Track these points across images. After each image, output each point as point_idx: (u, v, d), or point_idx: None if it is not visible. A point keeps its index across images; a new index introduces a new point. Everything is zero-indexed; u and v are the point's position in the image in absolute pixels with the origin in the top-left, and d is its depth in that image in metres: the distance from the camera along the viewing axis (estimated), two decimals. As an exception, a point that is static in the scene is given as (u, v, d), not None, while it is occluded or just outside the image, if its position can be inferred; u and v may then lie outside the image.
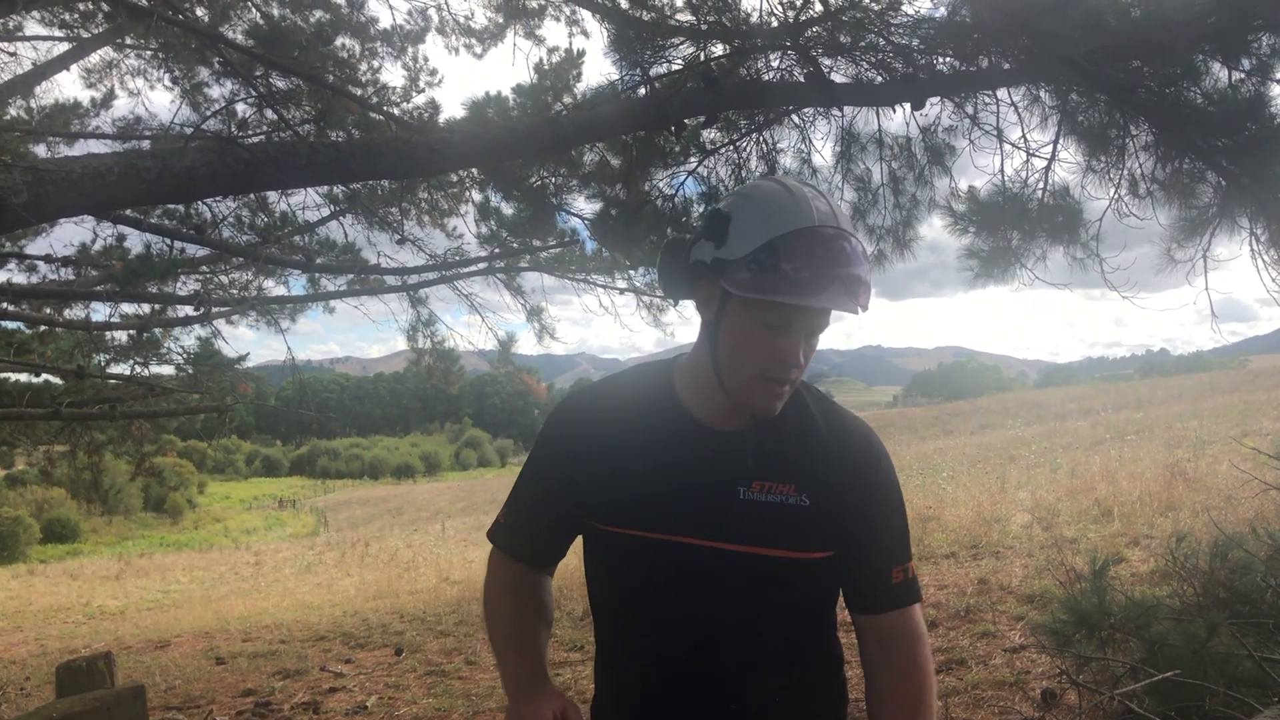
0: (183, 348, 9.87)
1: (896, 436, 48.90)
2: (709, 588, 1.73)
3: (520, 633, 1.89)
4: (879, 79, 5.69)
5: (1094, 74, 4.71)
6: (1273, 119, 4.66)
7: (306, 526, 55.84)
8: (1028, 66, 5.19)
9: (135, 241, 7.48)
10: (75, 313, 8.72)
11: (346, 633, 10.39)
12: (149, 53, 8.14)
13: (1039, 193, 5.88)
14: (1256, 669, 3.75)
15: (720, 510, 1.72)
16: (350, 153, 4.49)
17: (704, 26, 5.66)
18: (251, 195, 7.64)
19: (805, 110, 6.34)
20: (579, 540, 1.95)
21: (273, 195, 7.80)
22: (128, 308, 8.45)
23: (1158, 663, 4.02)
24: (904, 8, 5.46)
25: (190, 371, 9.96)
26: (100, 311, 8.58)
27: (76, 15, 7.83)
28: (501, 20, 7.86)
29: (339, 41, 7.38)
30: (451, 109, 6.66)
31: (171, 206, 7.20)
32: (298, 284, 9.29)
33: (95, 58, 8.34)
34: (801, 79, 5.71)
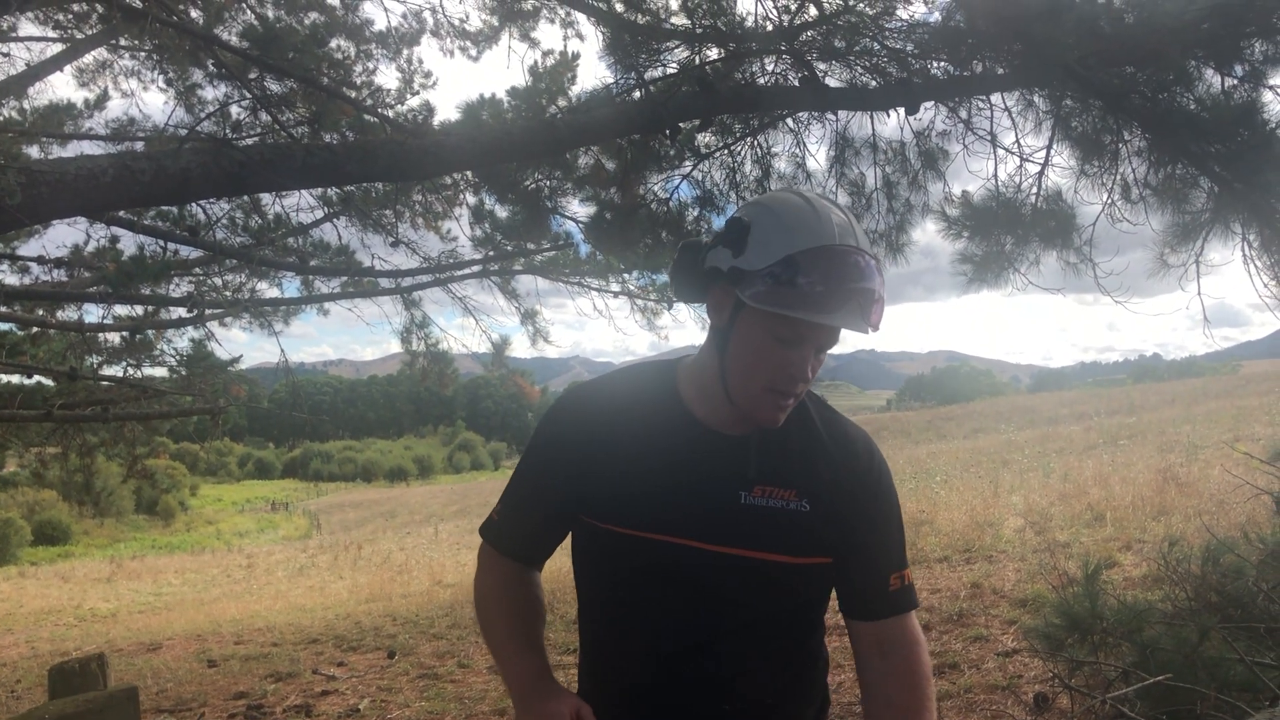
0: (176, 350, 9.85)
1: (890, 440, 48.94)
2: (708, 590, 1.74)
3: (520, 630, 1.87)
4: (873, 83, 5.70)
5: (1087, 79, 4.72)
6: (1265, 125, 4.68)
7: (299, 529, 55.68)
8: (1021, 71, 5.21)
9: (129, 243, 7.48)
10: (68, 314, 8.72)
11: (339, 635, 10.37)
12: (143, 54, 8.14)
13: (1032, 198, 5.89)
14: (1248, 673, 3.75)
15: (721, 514, 1.73)
16: (344, 155, 4.48)
17: (699, 30, 5.67)
18: (245, 197, 7.64)
19: (800, 114, 6.36)
20: (567, 541, 1.95)
21: (267, 197, 7.79)
22: (121, 309, 8.43)
23: (1149, 667, 4.03)
24: (898, 12, 5.49)
25: (183, 373, 9.93)
26: (93, 313, 8.60)
27: (70, 16, 7.82)
28: (496, 23, 7.87)
29: (334, 43, 7.38)
30: (446, 111, 6.71)
31: (165, 208, 7.19)
32: (291, 286, 9.29)
33: (89, 59, 8.34)
34: (796, 83, 5.73)
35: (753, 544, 1.73)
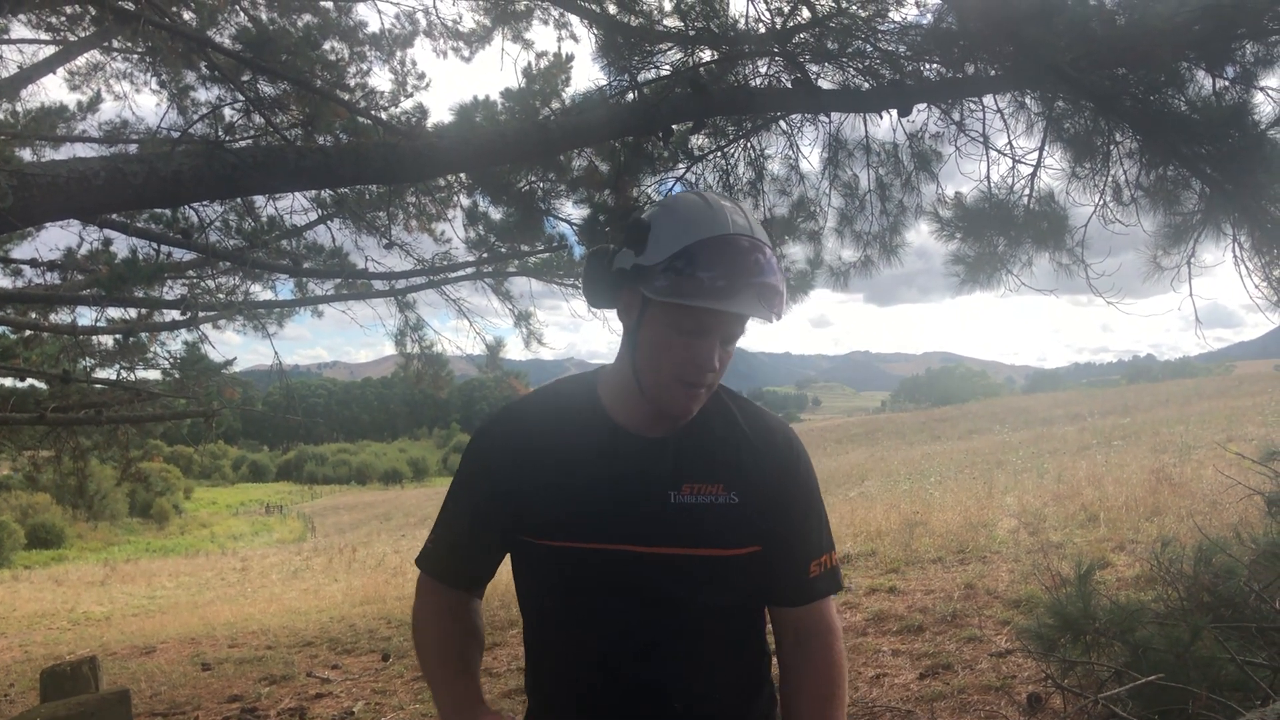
0: (169, 352, 9.82)
1: (884, 442, 49.03)
2: (648, 593, 1.76)
3: (453, 657, 1.89)
4: (866, 85, 5.71)
5: (1079, 81, 4.74)
6: (1256, 126, 4.70)
7: (294, 532, 55.64)
8: (1013, 73, 5.23)
9: (121, 246, 7.48)
10: (61, 317, 8.69)
11: (333, 638, 10.35)
12: (136, 56, 8.13)
13: (1025, 199, 5.91)
14: (1239, 672, 3.77)
15: (653, 516, 1.76)
16: (338, 157, 4.49)
17: (692, 32, 5.68)
18: (239, 199, 7.63)
19: (793, 116, 6.37)
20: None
21: (260, 200, 7.78)
22: (114, 312, 8.42)
23: (1142, 667, 4.04)
24: (891, 14, 5.50)
25: (177, 376, 9.91)
26: (86, 316, 8.55)
27: (63, 18, 7.80)
28: (489, 23, 7.86)
29: (327, 45, 7.38)
30: (440, 113, 6.70)
31: (159, 211, 7.18)
32: (285, 288, 9.30)
33: (82, 61, 8.32)
34: (789, 85, 5.74)
35: (686, 541, 1.76)
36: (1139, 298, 5.77)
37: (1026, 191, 5.91)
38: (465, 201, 7.94)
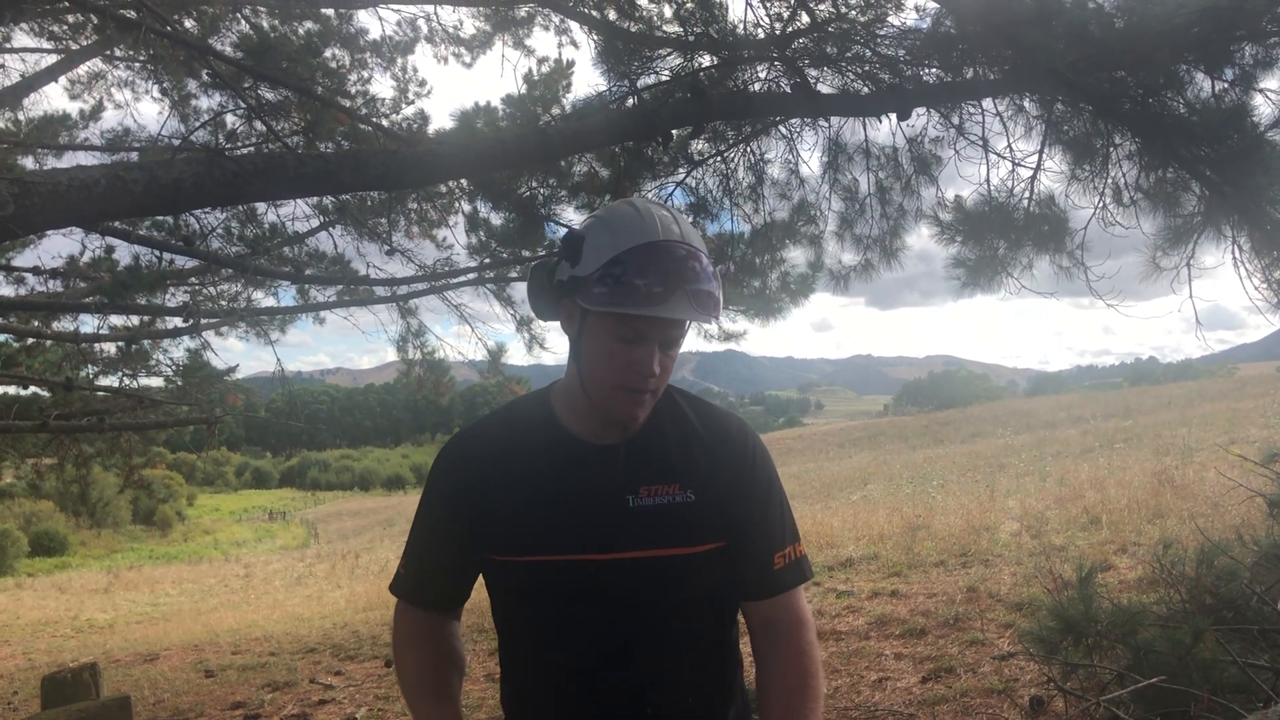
0: (172, 359, 9.85)
1: (887, 445, 48.98)
2: (615, 599, 1.78)
3: (431, 681, 1.91)
4: (865, 90, 5.72)
5: (1078, 84, 4.74)
6: (1255, 128, 4.70)
7: (297, 538, 55.65)
8: (1012, 77, 5.23)
9: (124, 253, 7.48)
10: (64, 324, 8.71)
11: (336, 645, 10.35)
12: (137, 64, 8.15)
13: (1025, 202, 5.91)
14: (1241, 675, 3.76)
15: (613, 522, 1.77)
16: (338, 164, 4.50)
17: (691, 38, 5.69)
18: (241, 207, 7.64)
19: (792, 121, 6.38)
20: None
21: (262, 206, 7.80)
22: (116, 319, 8.42)
23: (1144, 669, 4.04)
24: (890, 19, 5.51)
25: (179, 383, 9.93)
26: (89, 323, 8.57)
27: (65, 27, 7.83)
28: (490, 29, 7.88)
29: (328, 53, 7.38)
30: (441, 120, 6.68)
31: (160, 218, 7.20)
32: (287, 295, 9.28)
33: (84, 69, 8.35)
34: (788, 90, 5.74)
35: (647, 544, 1.77)
36: (1140, 300, 5.78)
37: (1026, 194, 5.91)
38: (466, 207, 7.94)
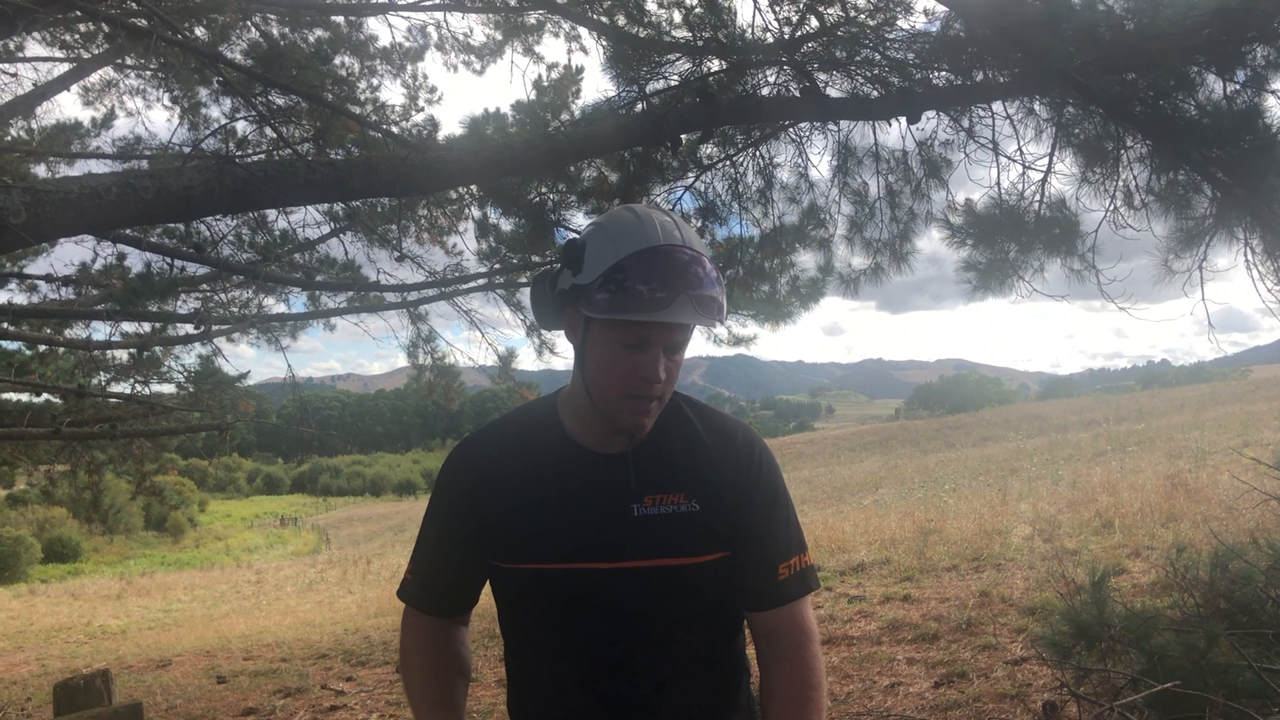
0: (183, 366, 9.86)
1: (898, 450, 48.89)
2: (618, 608, 1.78)
3: (435, 689, 1.91)
4: (875, 93, 5.72)
5: (1088, 87, 4.73)
6: (1267, 130, 4.67)
7: (308, 544, 55.75)
8: (1022, 80, 5.22)
9: (135, 260, 7.51)
10: (76, 332, 8.75)
11: (348, 650, 10.36)
12: (149, 73, 8.19)
13: (1035, 205, 5.90)
14: (1256, 679, 3.74)
15: (617, 531, 1.77)
16: (348, 171, 4.51)
17: (700, 43, 5.69)
18: (251, 214, 7.66)
19: (801, 125, 6.39)
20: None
21: (272, 213, 7.81)
22: (128, 327, 8.47)
23: (1158, 674, 4.01)
24: (899, 23, 5.52)
25: (191, 390, 9.94)
26: (101, 330, 8.60)
27: (77, 36, 7.88)
28: (500, 37, 7.91)
29: (338, 60, 7.42)
30: (451, 126, 6.71)
31: (171, 225, 7.22)
32: (298, 302, 9.30)
33: (95, 78, 8.40)
34: (797, 94, 5.75)
35: (652, 553, 1.77)
36: (1152, 302, 5.75)
37: (1037, 197, 5.90)
38: (476, 213, 7.95)
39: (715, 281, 1.65)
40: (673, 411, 1.87)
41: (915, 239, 6.65)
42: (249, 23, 7.09)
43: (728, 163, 6.61)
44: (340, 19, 7.74)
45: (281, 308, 9.23)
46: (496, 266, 8.25)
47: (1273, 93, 4.81)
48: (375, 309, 8.64)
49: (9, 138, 8.07)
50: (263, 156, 6.11)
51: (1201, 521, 8.86)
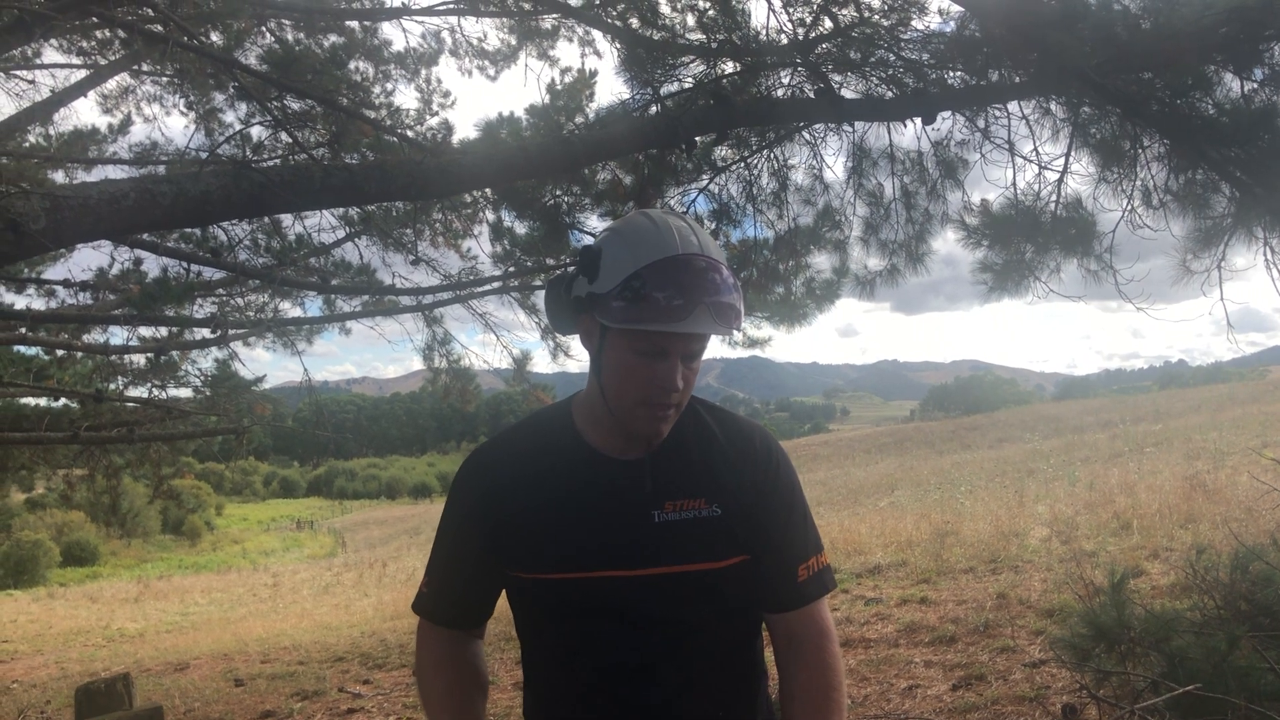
0: (200, 370, 9.91)
1: (914, 451, 48.75)
2: (640, 616, 1.76)
3: (456, 704, 1.90)
4: (890, 94, 5.70)
5: (1104, 86, 4.71)
6: (1286, 128, 4.64)
7: (324, 547, 55.86)
8: (1038, 80, 5.20)
9: (152, 265, 7.55)
10: (93, 337, 8.80)
11: (365, 653, 10.38)
12: (165, 79, 8.23)
13: (1052, 205, 5.87)
14: (1279, 682, 3.71)
15: (637, 537, 1.76)
16: (363, 175, 4.52)
17: (714, 45, 5.69)
18: (267, 218, 7.69)
19: (816, 126, 6.37)
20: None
21: (288, 218, 7.85)
22: (145, 331, 8.50)
23: (1178, 676, 3.99)
24: (914, 24, 5.50)
25: (207, 394, 9.99)
26: (118, 335, 8.65)
27: (94, 43, 7.93)
28: (515, 42, 7.93)
29: (353, 65, 7.44)
30: (465, 130, 6.72)
31: (188, 230, 7.26)
32: (314, 305, 9.33)
33: (112, 84, 8.45)
34: (812, 95, 5.73)
35: (673, 559, 1.76)
36: (1169, 303, 5.71)
37: (1053, 198, 5.87)
38: (491, 217, 7.97)
39: (733, 288, 1.64)
40: (690, 416, 1.85)
41: (931, 240, 6.64)
42: (264, 28, 7.12)
43: (742, 164, 6.60)
44: (355, 24, 7.77)
45: (297, 311, 9.28)
46: (511, 269, 8.26)
47: (1291, 91, 4.78)
48: (390, 312, 8.67)
49: (27, 144, 8.12)
50: (278, 161, 6.13)
51: (1221, 523, 8.80)
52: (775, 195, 6.74)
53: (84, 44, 7.96)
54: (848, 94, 5.72)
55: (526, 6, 7.51)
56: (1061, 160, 5.75)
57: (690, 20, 5.85)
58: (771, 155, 6.62)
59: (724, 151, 6.57)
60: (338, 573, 29.57)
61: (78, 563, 47.25)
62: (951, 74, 5.68)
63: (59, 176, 8.06)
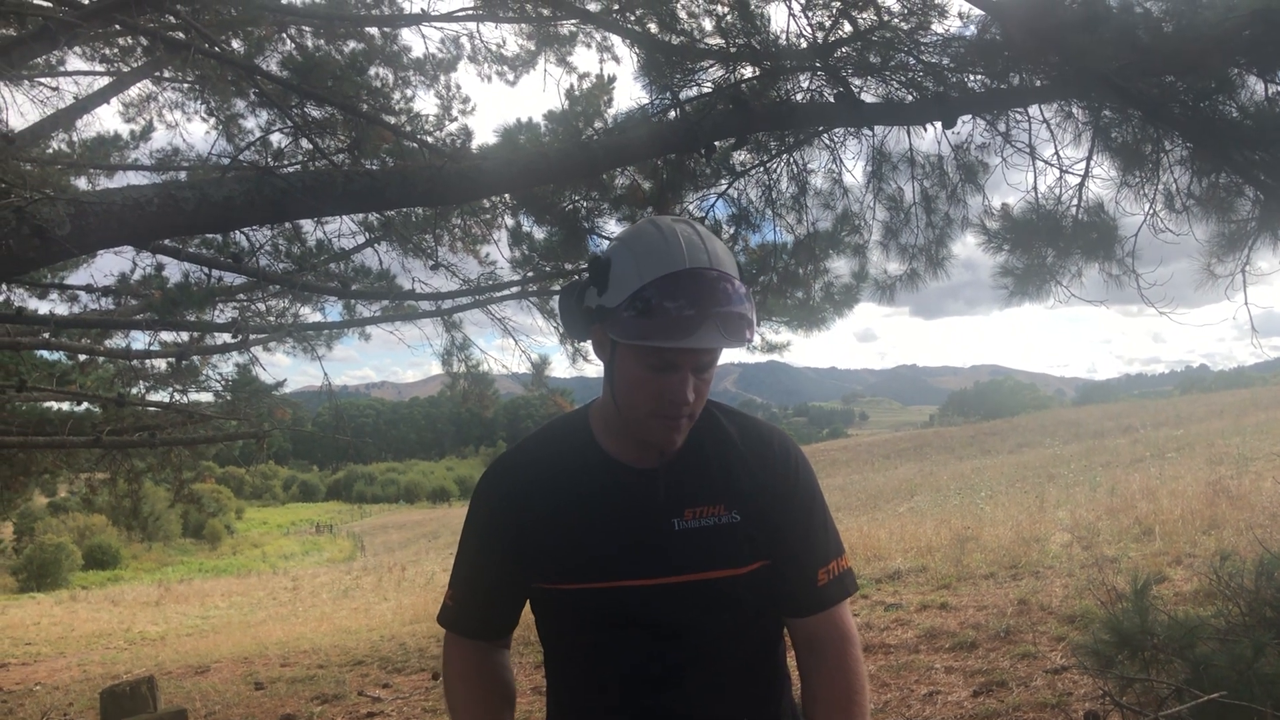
0: (221, 375, 9.98)
1: (933, 456, 48.54)
2: (663, 624, 1.76)
3: (483, 717, 1.91)
4: (909, 98, 5.69)
5: (1126, 90, 4.68)
6: (1311, 132, 4.61)
7: (343, 551, 56.07)
8: (1059, 83, 5.18)
9: (174, 270, 7.58)
10: (115, 342, 8.85)
11: (384, 657, 10.41)
12: (186, 85, 8.28)
13: (1073, 209, 5.85)
14: (1305, 690, 3.68)
15: (658, 546, 1.75)
16: (385, 181, 4.54)
17: (733, 49, 5.68)
18: (287, 224, 7.73)
19: (836, 130, 6.35)
20: None
21: (308, 224, 7.87)
22: (167, 336, 8.55)
23: (1203, 684, 3.96)
24: (934, 27, 5.47)
25: (228, 398, 10.05)
26: (140, 340, 8.70)
27: (116, 50, 7.98)
28: (533, 48, 7.94)
29: (372, 71, 7.46)
30: (484, 136, 6.72)
31: (209, 236, 7.30)
32: (334, 310, 9.37)
33: (134, 91, 8.50)
34: (831, 99, 5.73)
35: (695, 567, 1.76)
36: (1191, 307, 5.68)
37: (1075, 202, 5.85)
38: (510, 222, 7.98)
39: (743, 298, 1.62)
40: (707, 421, 1.84)
41: (950, 244, 6.61)
42: (284, 35, 7.15)
43: (761, 169, 6.60)
44: (374, 30, 7.79)
45: (317, 317, 9.32)
46: (529, 275, 8.27)
47: (1316, 94, 4.75)
48: (410, 317, 8.69)
49: (51, 150, 8.18)
50: (299, 167, 6.16)
51: (1245, 529, 8.73)
52: (794, 199, 6.73)
53: (107, 51, 8.01)
54: (867, 98, 5.70)
55: (545, 12, 7.52)
56: (1083, 164, 5.73)
57: (709, 25, 5.85)
58: (791, 159, 6.61)
59: (743, 156, 6.57)
60: (357, 577, 29.68)
61: (99, 566, 47.57)
62: (972, 77, 5.66)
63: (82, 183, 8.11)
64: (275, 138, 6.43)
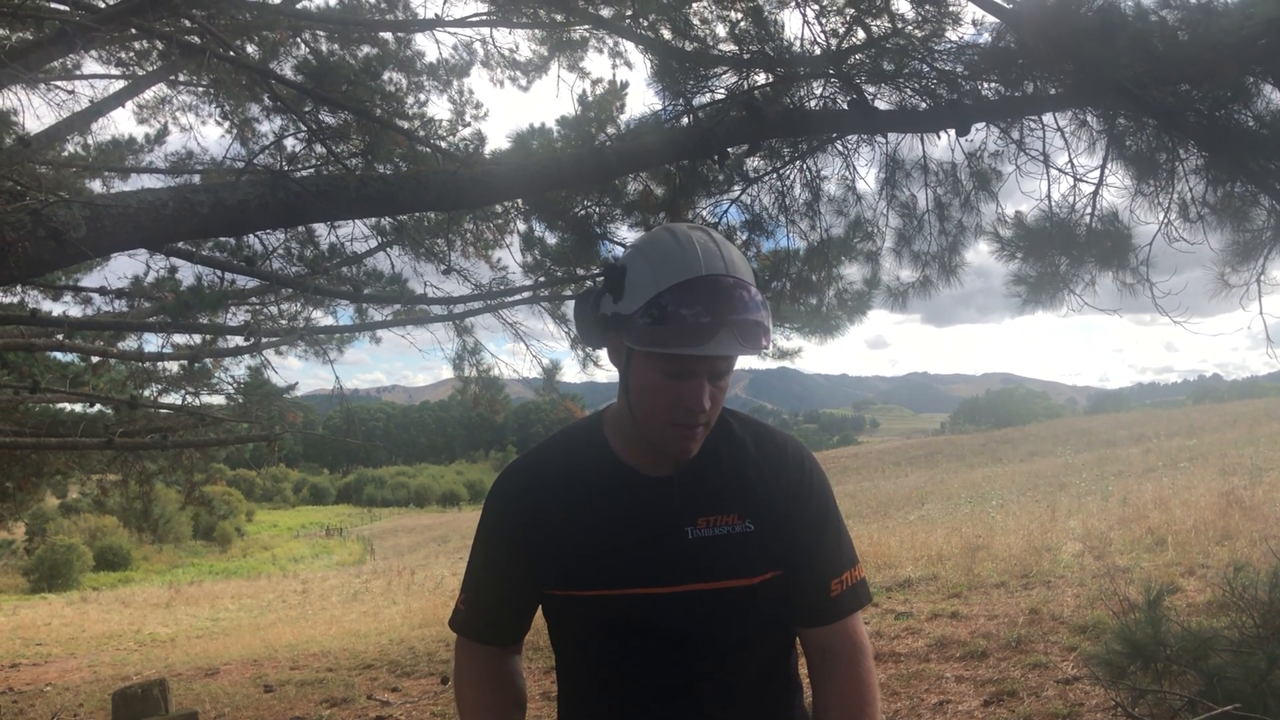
0: (233, 378, 10.02)
1: (944, 464, 48.39)
2: (675, 633, 1.75)
3: None
4: (923, 105, 5.68)
5: (1141, 98, 4.66)
6: (1327, 141, 4.59)
7: (353, 554, 56.12)
8: (1074, 91, 5.17)
9: (187, 273, 7.61)
10: (128, 344, 8.88)
11: (393, 661, 10.42)
12: (201, 89, 8.32)
13: (1087, 218, 5.83)
14: (1320, 703, 3.66)
15: (672, 554, 1.74)
16: (399, 185, 4.55)
17: (746, 56, 5.69)
18: (300, 228, 7.75)
19: (849, 137, 6.35)
20: None
21: (321, 228, 7.90)
22: (179, 338, 8.58)
23: (1216, 696, 3.93)
24: (947, 34, 5.47)
25: (240, 401, 10.08)
26: (152, 342, 8.75)
27: (132, 54, 8.02)
28: (546, 53, 7.96)
29: (386, 76, 7.49)
30: (497, 141, 6.74)
31: (223, 239, 7.32)
32: (345, 314, 9.40)
33: (149, 94, 8.54)
34: (845, 106, 5.72)
35: (708, 576, 1.75)
36: (1205, 316, 5.66)
37: (1088, 210, 5.83)
38: (522, 227, 7.99)
39: (760, 305, 1.61)
40: (721, 430, 1.83)
41: (963, 252, 6.60)
42: (299, 40, 7.18)
43: (774, 175, 6.59)
44: (388, 35, 7.82)
45: (329, 320, 9.36)
46: (541, 280, 8.27)
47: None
48: (421, 321, 8.70)
49: (66, 153, 8.23)
50: (312, 171, 6.18)
51: (1259, 540, 8.68)
52: (807, 206, 6.72)
53: (122, 55, 8.05)
54: (881, 105, 5.70)
55: (558, 18, 7.54)
56: (1097, 172, 5.72)
57: (722, 31, 5.86)
58: (804, 166, 6.60)
59: (756, 162, 6.57)
60: (366, 580, 29.71)
61: (110, 567, 47.71)
62: (986, 85, 5.65)
63: (96, 185, 8.16)
64: (289, 142, 6.46)
